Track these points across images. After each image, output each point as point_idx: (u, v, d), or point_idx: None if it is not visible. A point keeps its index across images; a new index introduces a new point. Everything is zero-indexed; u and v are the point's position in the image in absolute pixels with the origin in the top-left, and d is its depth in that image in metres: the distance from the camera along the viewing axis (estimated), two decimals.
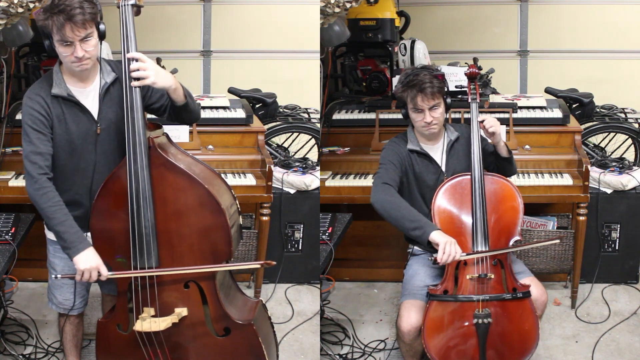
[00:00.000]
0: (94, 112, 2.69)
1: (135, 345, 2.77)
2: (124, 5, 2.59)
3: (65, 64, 2.63)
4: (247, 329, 2.75)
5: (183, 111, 2.71)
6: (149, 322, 2.68)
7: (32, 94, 2.65)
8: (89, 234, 2.75)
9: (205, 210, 2.64)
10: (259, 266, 2.68)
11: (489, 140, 3.06)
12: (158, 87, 2.61)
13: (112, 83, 2.70)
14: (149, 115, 2.82)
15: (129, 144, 2.59)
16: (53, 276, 2.74)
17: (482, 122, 2.97)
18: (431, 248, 2.93)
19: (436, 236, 2.81)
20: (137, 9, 2.63)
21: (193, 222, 2.65)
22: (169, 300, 2.72)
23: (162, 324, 2.68)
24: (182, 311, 2.72)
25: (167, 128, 2.87)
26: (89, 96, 2.69)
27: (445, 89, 3.04)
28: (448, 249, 2.78)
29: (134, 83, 2.58)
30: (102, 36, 2.60)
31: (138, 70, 2.55)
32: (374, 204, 2.95)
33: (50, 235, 2.79)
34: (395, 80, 4.09)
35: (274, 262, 2.73)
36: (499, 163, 3.11)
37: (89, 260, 2.61)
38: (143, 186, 2.60)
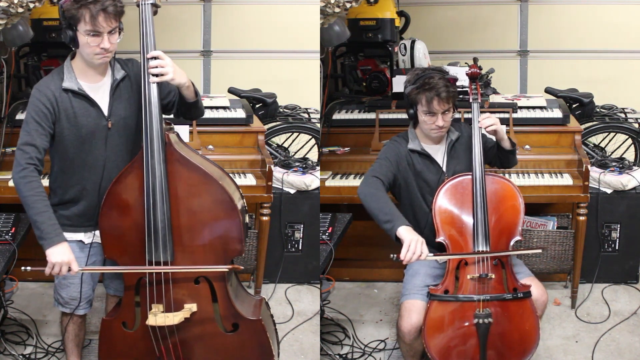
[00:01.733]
0: (104, 107, 2.73)
1: (140, 343, 2.78)
2: (144, 4, 2.63)
3: (86, 56, 2.65)
4: (256, 325, 2.77)
5: (193, 107, 2.79)
6: (162, 317, 2.70)
7: (43, 86, 2.69)
8: (97, 232, 2.78)
9: (219, 207, 2.67)
10: (227, 270, 2.69)
11: (492, 137, 3.07)
12: (175, 83, 2.66)
13: (121, 80, 2.75)
14: None
15: (146, 139, 2.62)
16: (22, 269, 2.69)
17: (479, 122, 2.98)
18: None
19: (403, 232, 2.76)
20: (155, 9, 2.67)
21: (206, 218, 2.68)
22: (178, 296, 2.74)
23: (175, 318, 2.71)
24: (191, 307, 2.74)
25: None
26: (99, 91, 2.73)
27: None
28: (413, 246, 2.73)
29: (153, 79, 2.62)
30: (120, 30, 2.65)
31: (157, 67, 2.60)
32: (359, 195, 2.95)
33: None
34: (396, 80, 4.09)
35: (242, 267, 2.77)
36: (501, 155, 3.12)
37: (61, 255, 2.61)
38: (160, 181, 2.63)
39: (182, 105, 2.79)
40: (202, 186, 2.66)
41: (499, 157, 3.13)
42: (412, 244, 2.73)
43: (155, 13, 2.67)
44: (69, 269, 2.64)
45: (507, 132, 3.87)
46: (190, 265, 2.70)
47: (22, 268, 2.65)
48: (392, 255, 2.77)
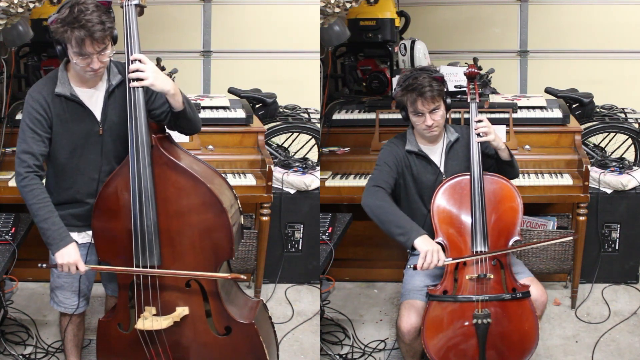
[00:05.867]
0: (97, 113, 2.71)
1: (136, 345, 2.77)
2: (128, 5, 2.60)
3: (78, 71, 2.64)
4: (249, 329, 2.76)
5: (182, 118, 2.72)
6: (150, 321, 2.69)
7: (35, 92, 2.68)
8: (89, 232, 2.78)
9: (207, 210, 2.65)
10: (228, 276, 2.69)
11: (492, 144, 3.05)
12: (156, 90, 2.62)
13: (117, 85, 2.72)
14: None
15: (132, 142, 2.61)
16: (39, 265, 2.74)
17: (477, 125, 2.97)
18: None
19: (419, 243, 2.82)
20: (140, 9, 2.64)
21: (195, 221, 2.66)
22: (170, 299, 2.73)
23: (163, 322, 2.69)
24: (183, 310, 2.73)
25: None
26: (93, 97, 2.71)
27: (445, 91, 3.03)
28: (429, 257, 2.79)
29: (133, 84, 2.59)
30: (114, 42, 2.62)
31: (137, 71, 2.56)
32: (364, 207, 2.97)
33: None
34: (396, 80, 4.09)
35: (244, 277, 2.72)
36: (500, 166, 3.08)
37: (66, 256, 2.66)
38: (145, 185, 2.61)
39: (171, 115, 2.72)
40: (189, 189, 2.64)
41: (498, 168, 3.08)
42: (427, 255, 2.80)
43: (140, 14, 2.64)
44: (77, 268, 2.68)
45: (507, 132, 3.88)
46: (180, 268, 2.68)
47: (39, 265, 2.72)
48: (409, 266, 2.92)
